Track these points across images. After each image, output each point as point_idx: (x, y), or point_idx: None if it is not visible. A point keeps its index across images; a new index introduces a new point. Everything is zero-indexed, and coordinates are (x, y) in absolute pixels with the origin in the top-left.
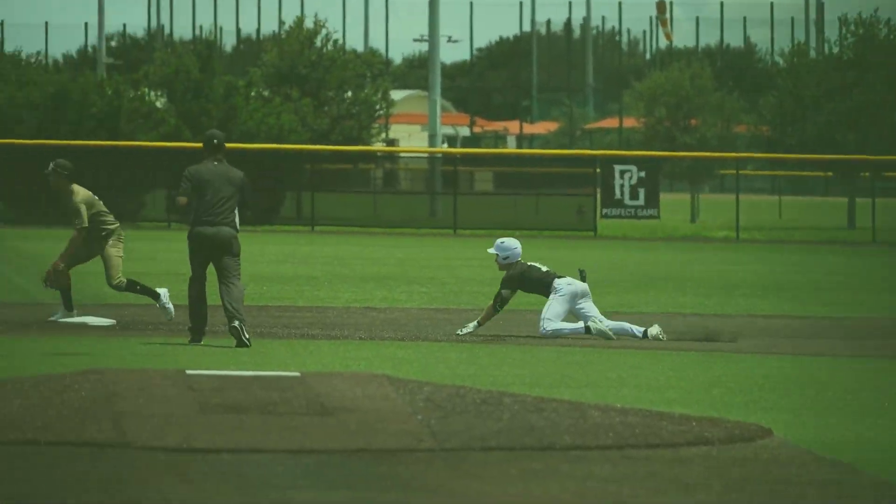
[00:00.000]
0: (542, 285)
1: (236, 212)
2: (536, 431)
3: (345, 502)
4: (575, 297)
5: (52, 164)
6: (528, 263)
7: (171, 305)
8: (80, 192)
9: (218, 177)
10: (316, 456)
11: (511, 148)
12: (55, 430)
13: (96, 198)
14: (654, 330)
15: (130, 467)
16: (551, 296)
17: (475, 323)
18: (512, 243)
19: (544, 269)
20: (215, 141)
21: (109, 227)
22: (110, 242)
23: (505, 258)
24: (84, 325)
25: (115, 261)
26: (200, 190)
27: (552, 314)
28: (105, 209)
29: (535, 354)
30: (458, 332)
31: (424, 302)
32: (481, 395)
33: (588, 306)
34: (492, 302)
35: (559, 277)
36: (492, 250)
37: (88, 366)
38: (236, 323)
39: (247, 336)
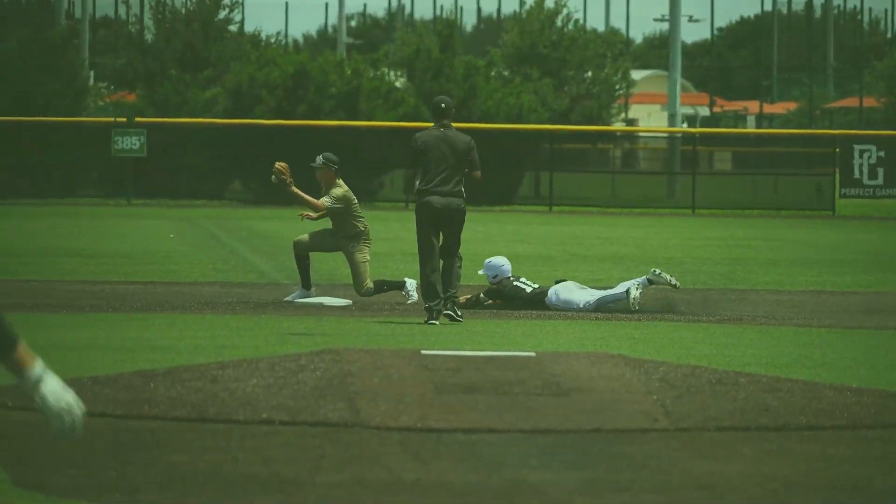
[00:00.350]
0: (532, 303)
1: (462, 181)
2: (771, 412)
3: (578, 482)
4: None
5: (320, 158)
6: (515, 284)
7: (415, 295)
8: (343, 188)
9: (442, 143)
10: (550, 436)
11: (750, 128)
12: (290, 409)
13: (354, 199)
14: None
15: (364, 447)
16: (555, 298)
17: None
18: (499, 261)
19: (529, 289)
20: (443, 105)
21: (359, 228)
22: (358, 247)
23: (494, 277)
24: (321, 305)
25: (361, 268)
26: (426, 158)
27: (574, 296)
28: (359, 212)
29: (771, 334)
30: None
31: None
32: (716, 374)
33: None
34: (468, 296)
35: (549, 288)
36: (481, 272)
37: (324, 346)
38: (450, 293)
39: (459, 314)
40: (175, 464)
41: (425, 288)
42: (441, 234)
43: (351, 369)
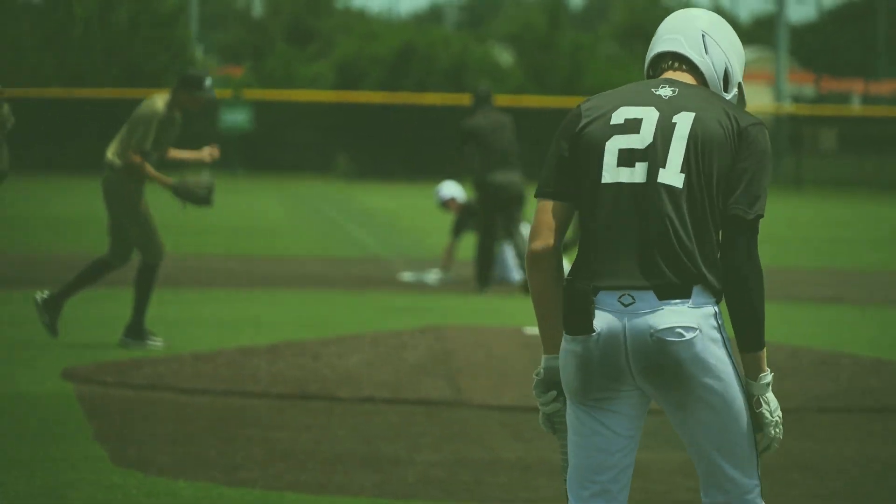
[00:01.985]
0: None
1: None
2: (874, 393)
3: (679, 462)
4: None
5: None
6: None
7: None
8: None
9: (497, 126)
10: (655, 416)
11: (856, 107)
12: (391, 386)
13: None
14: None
15: (465, 425)
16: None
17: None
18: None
19: None
20: (485, 93)
21: None
22: None
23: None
24: (422, 283)
25: None
26: (484, 141)
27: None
28: None
29: (874, 315)
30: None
31: (765, 261)
32: (819, 355)
33: None
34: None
35: None
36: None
37: (426, 322)
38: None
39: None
40: (276, 441)
41: (481, 259)
42: (504, 211)
43: (453, 347)
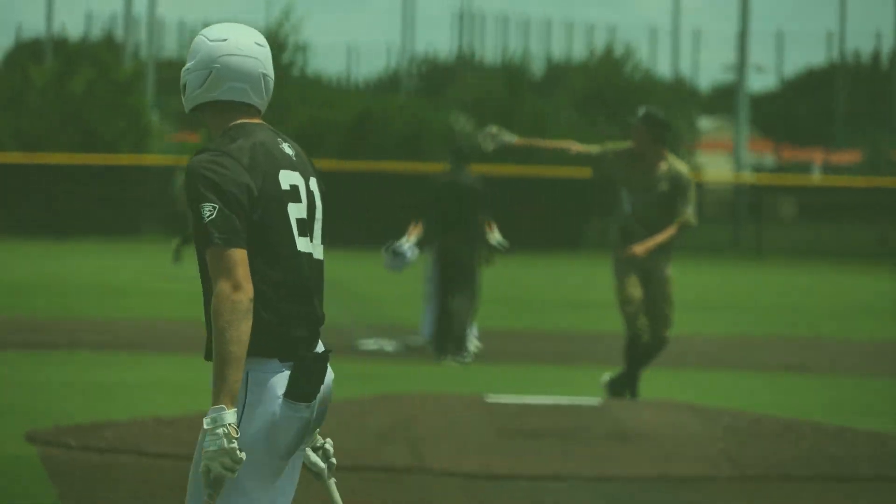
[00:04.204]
0: None
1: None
2: (836, 461)
3: None
4: None
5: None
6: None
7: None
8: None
9: (454, 188)
10: (614, 483)
11: (816, 176)
12: (353, 454)
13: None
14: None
15: (427, 492)
16: None
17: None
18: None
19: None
20: (460, 151)
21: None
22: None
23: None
24: (382, 351)
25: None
26: (438, 203)
27: None
28: None
29: (836, 382)
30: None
31: (727, 329)
32: (781, 423)
33: None
34: None
35: None
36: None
37: (387, 390)
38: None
39: (452, 359)
40: None
41: (439, 329)
42: (450, 276)
43: (413, 414)
